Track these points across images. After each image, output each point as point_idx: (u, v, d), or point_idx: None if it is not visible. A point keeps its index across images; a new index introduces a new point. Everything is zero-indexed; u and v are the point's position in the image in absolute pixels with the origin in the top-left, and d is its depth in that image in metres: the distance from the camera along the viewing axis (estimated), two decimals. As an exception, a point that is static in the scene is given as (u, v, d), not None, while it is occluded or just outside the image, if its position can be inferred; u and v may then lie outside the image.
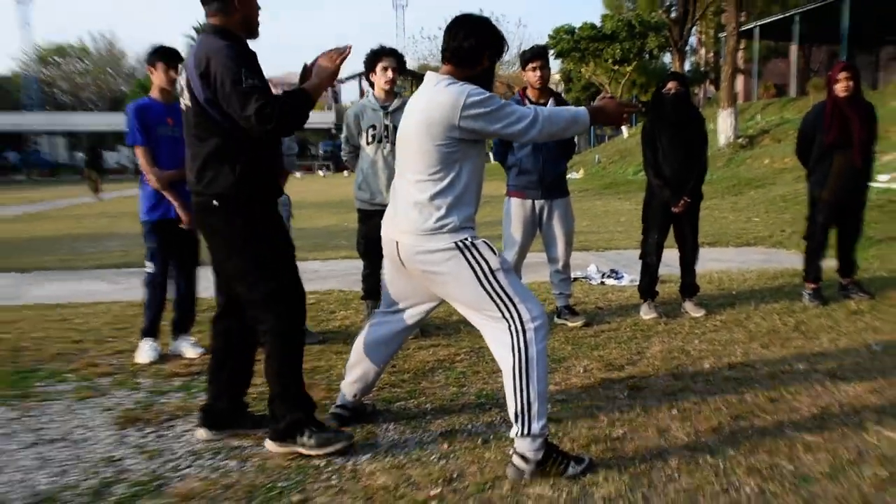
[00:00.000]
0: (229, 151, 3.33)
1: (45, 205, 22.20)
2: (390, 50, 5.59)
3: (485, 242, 3.25)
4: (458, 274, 3.21)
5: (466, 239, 3.22)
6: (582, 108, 3.34)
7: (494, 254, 3.23)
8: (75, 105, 66.74)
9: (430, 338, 5.39)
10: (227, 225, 3.41)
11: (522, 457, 3.16)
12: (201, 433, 3.69)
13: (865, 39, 32.61)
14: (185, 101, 3.41)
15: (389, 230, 3.39)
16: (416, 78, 51.12)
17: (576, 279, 7.24)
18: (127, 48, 72.31)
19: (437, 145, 3.20)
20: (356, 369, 3.71)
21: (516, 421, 3.17)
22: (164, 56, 5.06)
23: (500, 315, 3.19)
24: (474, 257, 3.20)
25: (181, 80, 3.43)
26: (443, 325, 5.76)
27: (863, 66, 36.07)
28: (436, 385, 4.40)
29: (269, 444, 3.49)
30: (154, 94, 5.12)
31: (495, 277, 3.19)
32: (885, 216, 11.42)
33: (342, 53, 3.37)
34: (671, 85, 5.91)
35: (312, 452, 3.40)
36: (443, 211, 3.21)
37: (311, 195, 24.02)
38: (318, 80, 3.33)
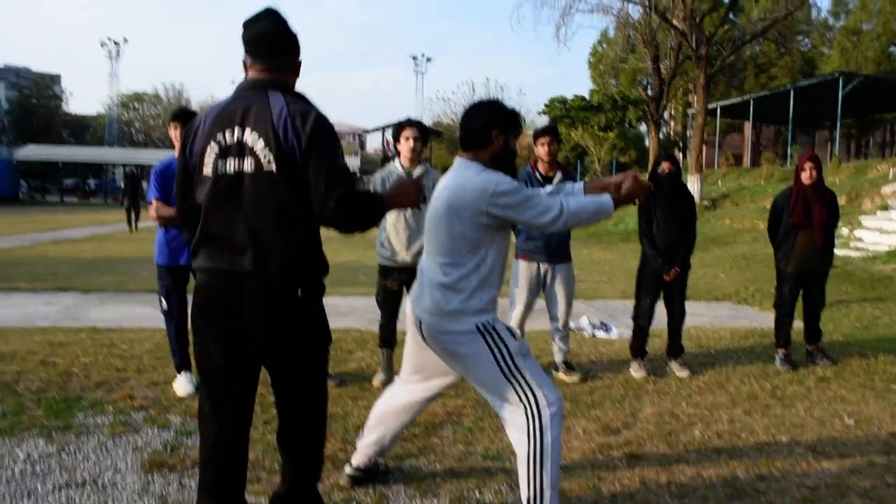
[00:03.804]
0: (308, 228, 2.44)
1: (112, 227, 21.72)
2: (414, 122, 5.24)
3: (505, 327, 2.82)
4: (478, 356, 2.77)
5: (487, 322, 2.79)
6: (606, 198, 2.90)
7: (514, 338, 2.80)
8: (147, 143, 66.70)
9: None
10: (302, 319, 2.47)
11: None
12: None
13: (805, 122, 32.97)
14: (244, 163, 2.39)
15: (414, 308, 2.93)
16: (433, 133, 51.25)
17: (570, 330, 6.78)
18: (193, 96, 71.90)
19: (464, 230, 2.78)
20: (373, 433, 3.24)
21: (528, 506, 2.71)
22: (176, 117, 4.71)
23: (517, 399, 2.75)
24: (494, 341, 2.76)
25: (228, 138, 2.41)
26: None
27: (802, 144, 36.28)
28: (444, 441, 3.92)
29: None
30: (176, 153, 4.74)
31: (514, 362, 2.75)
32: (831, 280, 10.86)
33: (422, 188, 2.67)
34: (665, 165, 5.54)
35: None
36: (466, 294, 2.78)
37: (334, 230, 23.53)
38: (395, 199, 2.59)
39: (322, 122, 2.38)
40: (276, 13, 2.51)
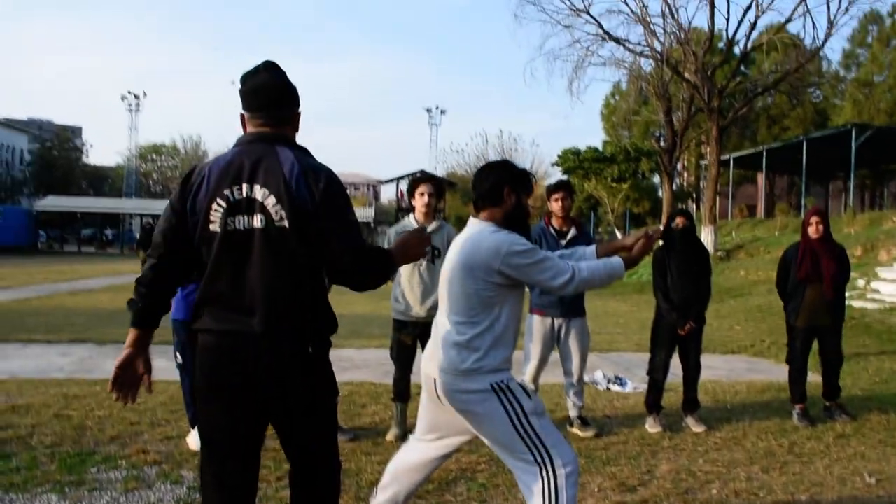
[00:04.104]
0: (317, 284, 2.42)
1: (128, 277, 21.81)
2: (429, 177, 5.34)
3: (520, 386, 2.83)
4: (493, 415, 2.78)
5: (502, 381, 2.80)
6: (617, 261, 2.95)
7: (529, 398, 2.80)
8: (164, 193, 67.65)
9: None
10: (316, 378, 2.43)
11: None
12: None
13: (819, 173, 32.93)
14: (254, 219, 2.33)
15: (428, 367, 2.95)
16: (446, 184, 51.59)
17: (584, 384, 6.74)
18: (210, 147, 73.13)
19: (477, 289, 2.81)
20: (387, 491, 3.22)
21: (543, 568, 2.67)
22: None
23: (531, 459, 2.74)
24: (509, 400, 2.77)
25: (236, 194, 2.35)
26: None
27: (816, 194, 36.25)
28: (458, 499, 3.88)
29: None
30: None
31: (528, 421, 2.75)
32: (849, 332, 10.81)
33: (427, 239, 2.63)
34: (679, 220, 5.58)
35: None
36: (480, 353, 2.80)
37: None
38: (402, 252, 2.54)
39: (333, 178, 2.37)
40: (275, 66, 2.48)
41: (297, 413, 2.40)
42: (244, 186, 2.34)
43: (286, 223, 2.29)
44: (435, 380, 2.88)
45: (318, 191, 2.30)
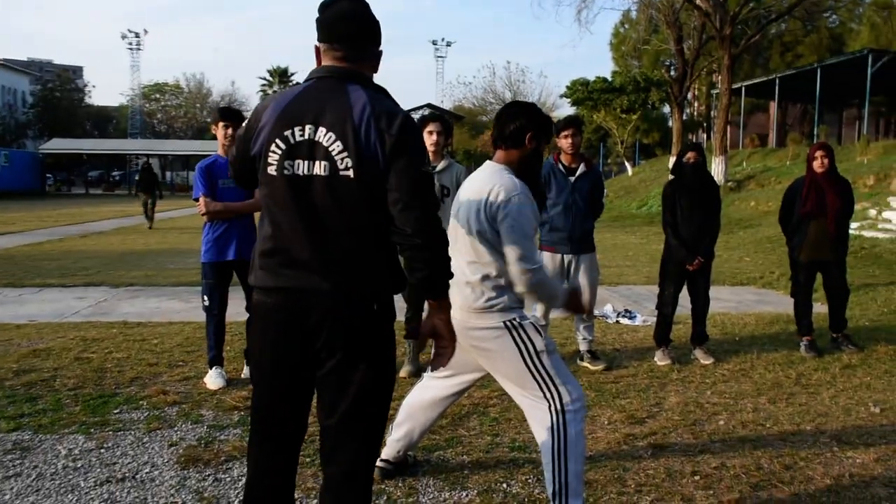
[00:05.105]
0: (385, 238, 2.15)
1: (137, 219, 21.90)
2: (436, 115, 5.34)
3: (532, 324, 2.89)
4: (505, 352, 2.85)
5: (515, 319, 2.87)
6: (563, 289, 3.06)
7: (540, 335, 2.87)
8: (169, 133, 67.42)
9: (465, 377, 4.99)
10: (380, 340, 2.18)
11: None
12: None
13: (833, 101, 32.37)
14: (315, 166, 2.09)
15: None
16: (453, 117, 51.11)
17: (594, 317, 6.83)
18: (213, 86, 72.69)
19: (482, 229, 2.85)
20: (402, 427, 3.32)
21: (554, 499, 2.78)
22: (223, 116, 4.85)
23: (541, 395, 2.82)
24: (521, 337, 2.84)
25: (297, 135, 2.11)
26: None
27: (829, 123, 35.66)
28: (471, 433, 4.00)
29: None
30: (219, 150, 4.85)
31: (539, 358, 2.83)
32: (858, 262, 10.88)
33: (449, 350, 2.30)
34: (690, 155, 5.55)
35: None
36: (494, 291, 2.86)
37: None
38: (445, 317, 2.25)
39: (410, 125, 2.11)
40: None
41: (351, 385, 2.13)
42: (307, 128, 2.10)
43: (351, 172, 2.06)
44: None
45: (391, 137, 2.07)
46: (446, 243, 2.14)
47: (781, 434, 4.03)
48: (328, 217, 2.09)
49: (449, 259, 2.17)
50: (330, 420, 2.18)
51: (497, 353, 2.88)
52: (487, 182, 2.90)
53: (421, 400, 3.28)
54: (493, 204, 2.83)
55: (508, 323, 2.86)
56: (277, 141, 2.12)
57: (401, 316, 5.61)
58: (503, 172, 2.93)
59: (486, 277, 2.87)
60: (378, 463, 3.39)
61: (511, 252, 2.82)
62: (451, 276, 2.19)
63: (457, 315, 2.91)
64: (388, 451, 3.37)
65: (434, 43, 62.82)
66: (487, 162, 3.07)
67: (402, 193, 2.06)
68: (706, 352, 5.62)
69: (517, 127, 2.97)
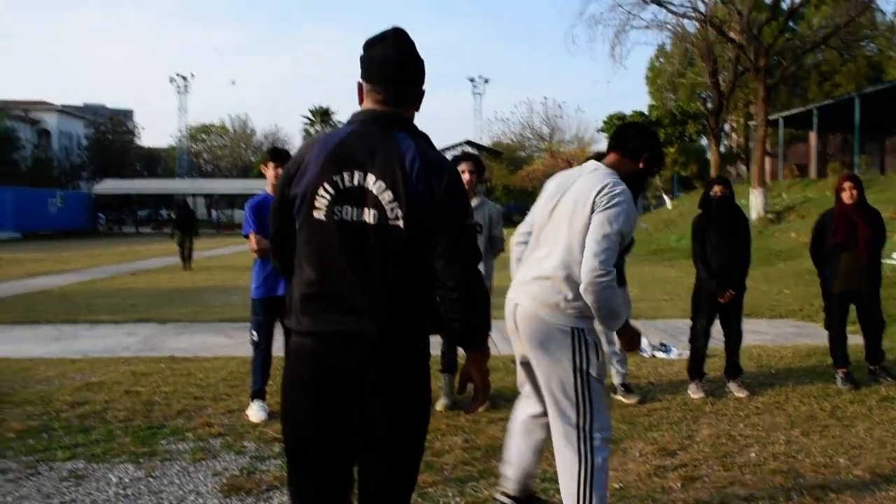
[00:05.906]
0: (427, 282, 2.12)
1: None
2: (469, 155, 5.55)
3: (595, 344, 2.90)
4: (560, 356, 2.87)
5: (584, 331, 2.88)
6: (627, 320, 2.98)
7: (598, 360, 2.89)
8: (215, 172, 68.97)
9: (500, 410, 5.04)
10: (420, 378, 2.17)
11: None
12: None
13: (873, 130, 31.86)
14: (365, 213, 2.06)
15: (516, 292, 3.04)
16: (492, 154, 51.48)
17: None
18: (257, 126, 74.55)
19: (588, 225, 2.85)
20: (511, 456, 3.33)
21: (580, 527, 2.84)
22: (273, 156, 5.03)
23: (573, 413, 2.86)
24: (581, 350, 2.86)
25: (346, 181, 2.07)
26: (511, 398, 5.42)
27: (871, 152, 35.05)
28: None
29: None
30: (268, 188, 5.05)
31: (587, 379, 2.86)
32: (894, 294, 10.65)
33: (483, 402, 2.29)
34: (718, 188, 5.61)
35: None
36: (572, 293, 2.84)
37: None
38: (480, 367, 2.21)
39: (456, 178, 2.11)
40: (405, 34, 2.17)
41: (389, 420, 2.09)
42: (356, 174, 2.06)
43: (401, 223, 2.03)
44: (517, 304, 2.97)
45: (440, 190, 2.04)
46: (487, 298, 2.14)
47: (814, 466, 4.02)
48: (377, 263, 2.06)
49: (488, 313, 2.16)
50: (367, 457, 2.15)
51: (552, 353, 2.87)
52: (601, 180, 2.91)
53: (516, 426, 3.30)
54: (603, 198, 2.82)
55: (577, 331, 2.86)
56: (326, 185, 2.07)
57: (435, 350, 5.73)
58: (616, 176, 2.96)
59: (570, 277, 2.84)
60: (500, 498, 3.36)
61: (594, 245, 2.76)
62: (488, 328, 2.18)
63: (528, 303, 2.93)
64: (508, 484, 3.33)
65: (472, 80, 63.57)
66: (594, 162, 3.11)
67: (446, 247, 2.05)
68: (740, 385, 5.61)
69: (638, 144, 3.07)
